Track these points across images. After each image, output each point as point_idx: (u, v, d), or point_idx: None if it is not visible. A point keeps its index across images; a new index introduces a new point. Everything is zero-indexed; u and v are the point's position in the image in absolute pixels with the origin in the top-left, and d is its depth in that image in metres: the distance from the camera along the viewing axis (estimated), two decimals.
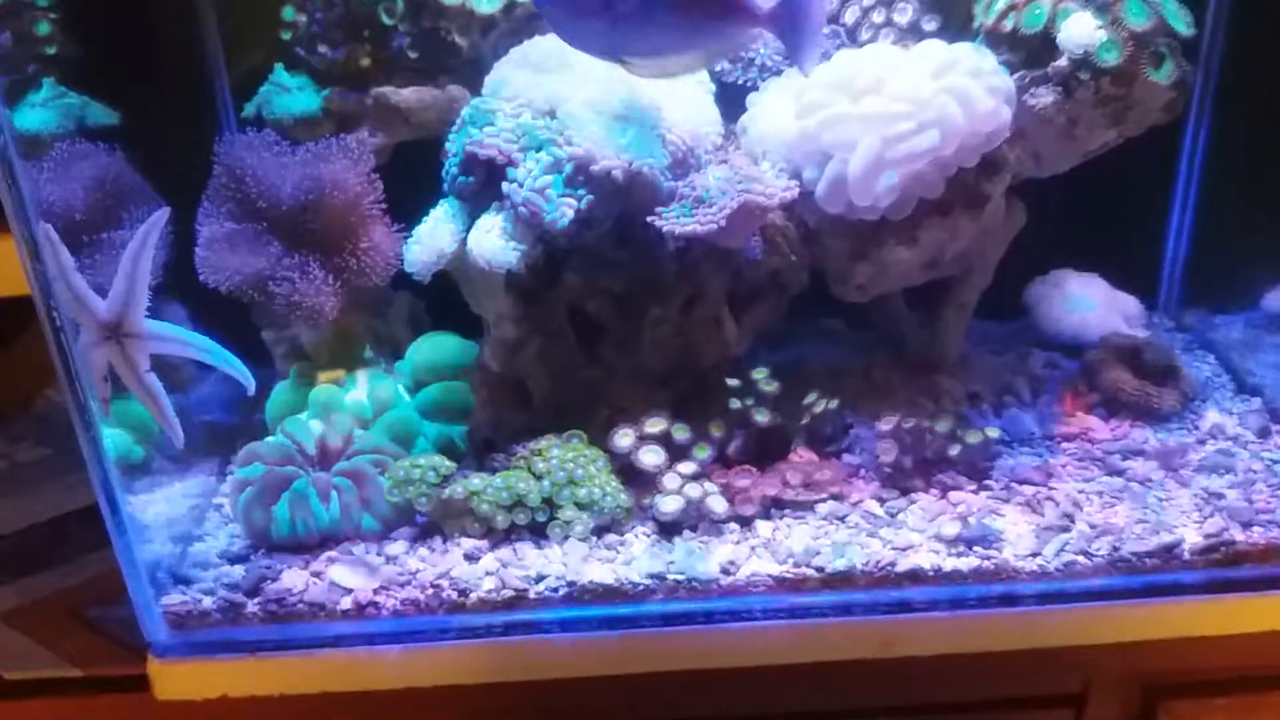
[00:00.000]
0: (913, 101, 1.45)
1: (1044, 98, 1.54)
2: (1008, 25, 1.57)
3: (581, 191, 1.43)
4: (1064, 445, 1.70)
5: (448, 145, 1.50)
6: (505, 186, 1.45)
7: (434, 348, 1.67)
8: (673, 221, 1.45)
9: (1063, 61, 1.53)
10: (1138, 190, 1.97)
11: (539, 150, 1.45)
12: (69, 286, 1.25)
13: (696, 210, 1.45)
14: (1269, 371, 1.83)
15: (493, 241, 1.45)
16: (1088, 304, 1.89)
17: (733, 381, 1.61)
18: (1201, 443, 1.69)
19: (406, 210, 1.60)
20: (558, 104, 1.47)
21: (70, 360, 1.27)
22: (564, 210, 1.42)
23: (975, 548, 1.49)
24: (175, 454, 1.64)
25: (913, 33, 1.68)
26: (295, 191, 1.55)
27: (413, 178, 1.62)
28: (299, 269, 1.56)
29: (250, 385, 1.41)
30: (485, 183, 1.48)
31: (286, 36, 1.61)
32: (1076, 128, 1.58)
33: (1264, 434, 1.70)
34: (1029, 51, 1.56)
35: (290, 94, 1.59)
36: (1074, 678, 1.55)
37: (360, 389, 1.64)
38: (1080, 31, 1.49)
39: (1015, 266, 1.91)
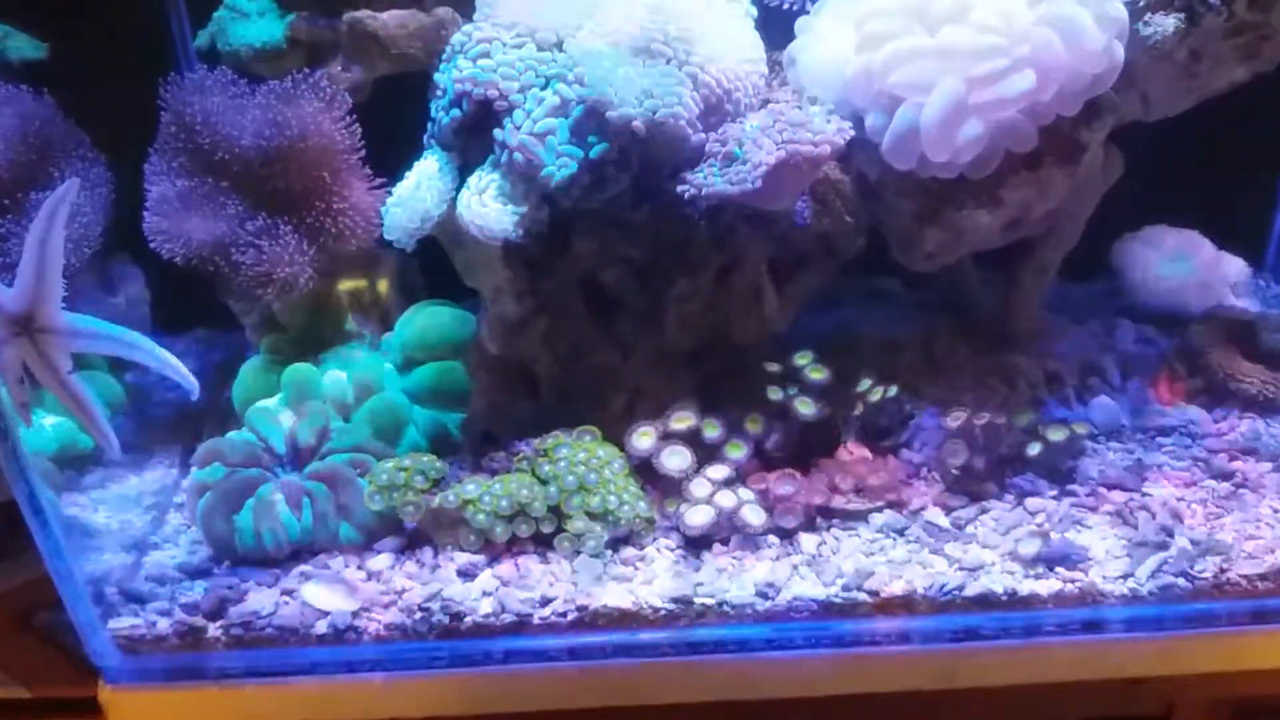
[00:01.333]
0: (1005, 34, 1.17)
1: (1163, 26, 1.26)
2: None
3: (592, 139, 1.17)
4: (1160, 440, 1.46)
5: (436, 80, 1.25)
6: (498, 133, 1.20)
7: (427, 321, 1.44)
8: (698, 183, 1.19)
9: None
10: (1244, 130, 1.68)
11: (544, 88, 1.19)
12: None
13: (727, 170, 1.19)
14: None
15: (487, 204, 1.21)
16: (1186, 267, 1.62)
17: (772, 366, 1.37)
18: None
19: (390, 160, 1.37)
20: (567, 34, 1.21)
21: None
22: (564, 163, 1.17)
23: (1058, 569, 1.27)
24: (131, 442, 1.44)
25: None
26: (257, 140, 1.31)
27: (397, 120, 1.37)
28: (266, 233, 1.32)
29: (194, 390, 1.19)
30: (478, 129, 1.23)
31: None
32: (1199, 64, 1.30)
33: None
34: None
35: (249, 20, 1.33)
36: (1156, 703, 1.35)
37: (340, 369, 1.41)
38: None
39: (1101, 219, 1.65)
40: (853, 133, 1.24)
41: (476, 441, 1.39)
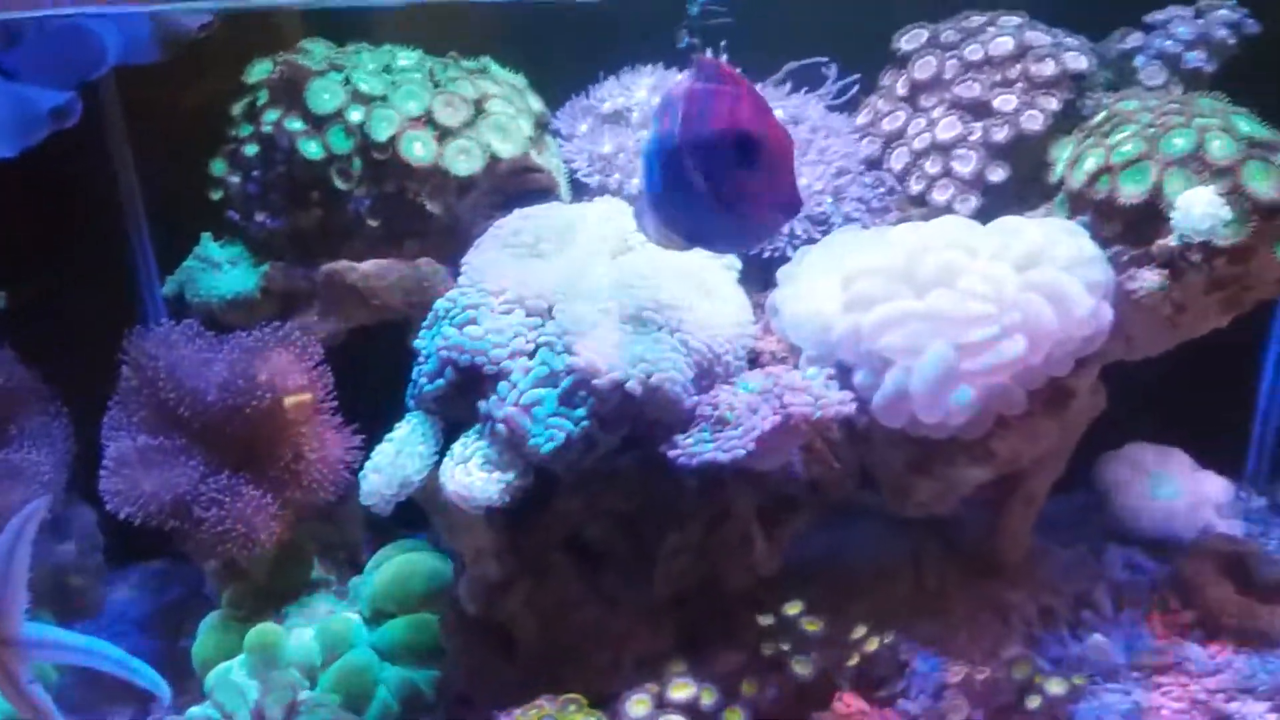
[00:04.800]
0: (995, 300, 1.16)
1: (1146, 282, 1.26)
2: (1100, 191, 1.29)
3: (580, 414, 1.13)
4: (1157, 680, 1.42)
5: (417, 345, 1.21)
6: (483, 405, 1.16)
7: (399, 572, 1.37)
8: (689, 450, 1.16)
9: (1170, 240, 1.25)
10: (1222, 347, 1.70)
11: (531, 357, 1.16)
12: None
13: (718, 434, 1.16)
14: None
15: (471, 473, 1.16)
16: (1172, 489, 1.61)
17: (765, 619, 1.32)
18: None
19: (364, 406, 1.31)
20: (556, 300, 1.18)
21: None
22: (553, 434, 1.13)
23: None
24: (81, 701, 1.34)
25: (975, 185, 1.41)
26: (223, 396, 1.25)
27: (373, 365, 1.32)
28: (229, 490, 1.26)
29: (165, 696, 1.11)
30: (462, 395, 1.18)
31: (216, 197, 1.31)
32: (1183, 314, 1.30)
33: None
34: (1126, 224, 1.28)
35: (220, 271, 1.29)
36: None
37: (307, 626, 1.33)
38: (1202, 207, 1.21)
39: (1084, 436, 1.64)
40: (855, 404, 1.22)
41: (452, 705, 1.32)
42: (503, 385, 1.15)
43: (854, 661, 1.37)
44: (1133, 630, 1.48)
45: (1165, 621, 1.50)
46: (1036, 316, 1.17)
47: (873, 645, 1.36)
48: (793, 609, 1.33)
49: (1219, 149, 1.25)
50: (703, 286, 1.21)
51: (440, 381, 1.16)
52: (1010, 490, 1.49)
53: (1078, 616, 1.50)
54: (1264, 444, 1.75)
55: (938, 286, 1.20)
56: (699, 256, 1.25)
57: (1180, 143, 1.26)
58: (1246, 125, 1.28)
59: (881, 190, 1.48)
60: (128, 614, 1.53)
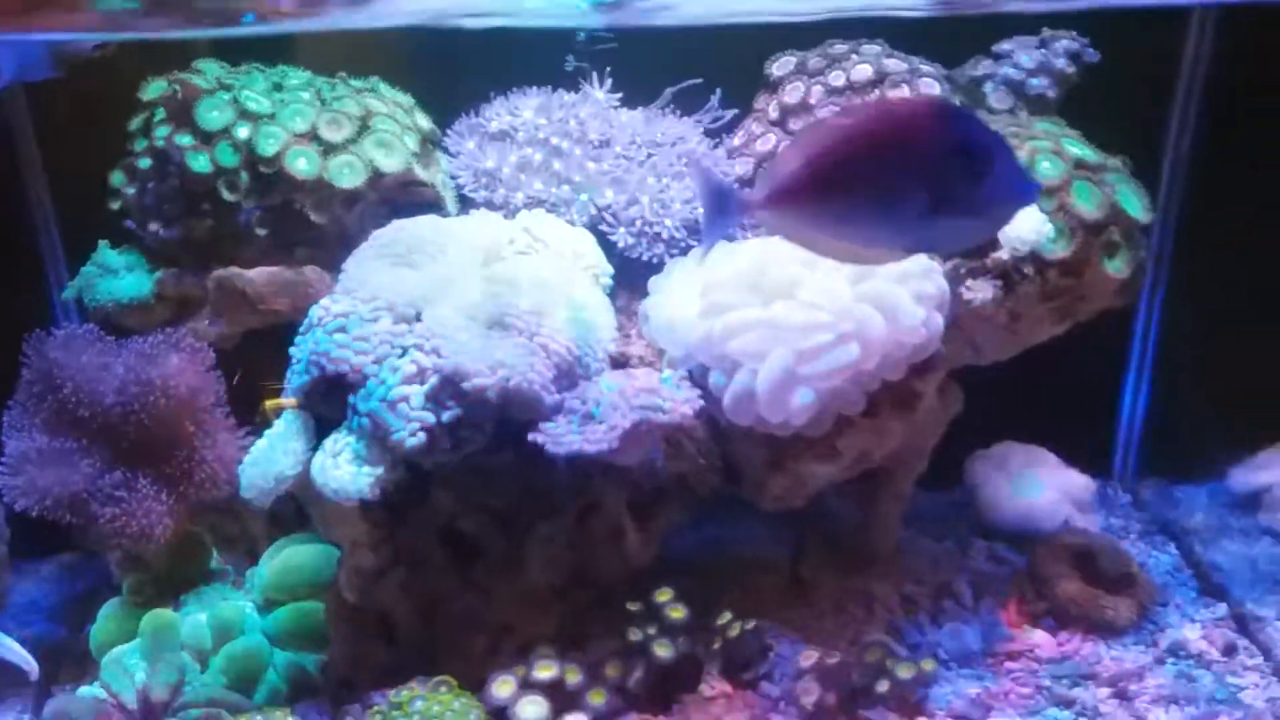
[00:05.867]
0: (829, 310, 1.25)
1: (981, 293, 1.36)
2: None
3: (444, 412, 1.22)
4: (1008, 665, 1.51)
5: (291, 350, 1.29)
6: (352, 399, 1.24)
7: (286, 562, 1.45)
8: (555, 436, 1.24)
9: (1003, 254, 1.35)
10: (1090, 351, 1.80)
11: (401, 357, 1.24)
12: None
13: (584, 428, 1.25)
14: (1236, 566, 1.65)
15: (341, 467, 1.24)
16: (1035, 487, 1.71)
17: (633, 605, 1.40)
18: (1160, 662, 1.51)
19: (258, 407, 1.39)
20: (424, 306, 1.27)
21: None
22: (416, 429, 1.21)
23: None
24: None
25: None
26: (120, 397, 1.33)
27: (266, 368, 1.40)
28: (124, 485, 1.34)
29: (33, 672, 1.18)
30: (331, 396, 1.27)
31: (115, 207, 1.39)
32: (1019, 323, 1.40)
33: (1230, 651, 1.52)
34: None
35: (117, 276, 1.37)
36: None
37: (201, 613, 1.41)
38: (1028, 225, 1.31)
39: (956, 434, 1.74)
40: (701, 403, 1.31)
41: (336, 689, 1.40)
42: (371, 383, 1.23)
43: (718, 646, 1.46)
44: (989, 620, 1.58)
45: (1021, 611, 1.59)
46: (868, 324, 1.26)
47: (735, 631, 1.45)
48: (662, 596, 1.42)
49: (1048, 169, 1.35)
50: (565, 294, 1.30)
51: (307, 382, 1.24)
52: (878, 486, 1.59)
53: (940, 606, 1.60)
54: (1130, 443, 1.85)
55: (780, 297, 1.29)
56: (563, 265, 1.34)
57: None
58: (1076, 148, 1.38)
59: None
60: (38, 604, 1.60)
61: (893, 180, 1.07)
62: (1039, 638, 1.54)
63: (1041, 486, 1.70)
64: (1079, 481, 1.72)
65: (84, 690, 1.32)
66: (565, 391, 1.29)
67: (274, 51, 1.51)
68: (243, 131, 1.34)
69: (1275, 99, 1.62)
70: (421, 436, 1.21)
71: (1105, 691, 1.47)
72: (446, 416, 1.21)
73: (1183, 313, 1.77)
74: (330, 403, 1.27)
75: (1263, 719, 1.41)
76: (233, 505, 1.54)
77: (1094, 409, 1.86)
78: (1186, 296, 1.75)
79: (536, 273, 1.28)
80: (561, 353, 1.27)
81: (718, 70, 1.58)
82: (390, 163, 1.39)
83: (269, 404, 1.41)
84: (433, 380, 1.23)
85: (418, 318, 1.27)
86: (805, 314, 1.26)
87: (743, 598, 1.55)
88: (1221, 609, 1.59)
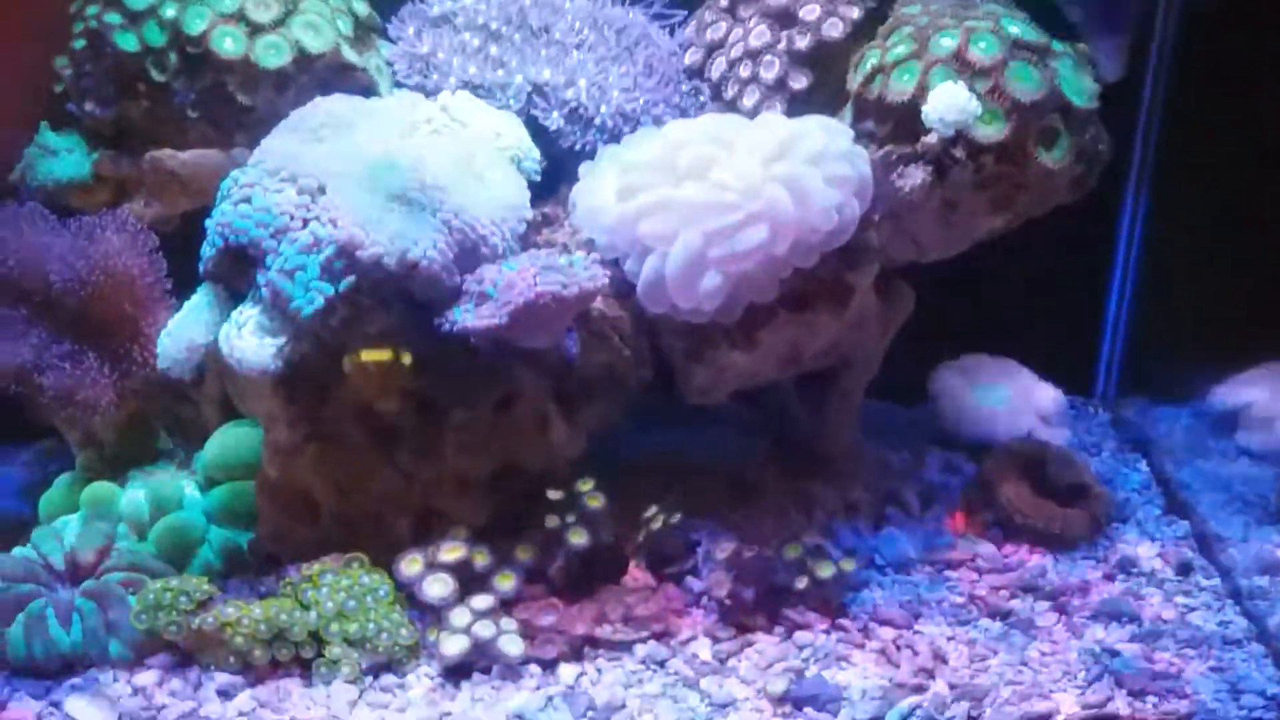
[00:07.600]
0: (738, 190, 1.22)
1: (912, 178, 1.30)
2: (874, 90, 1.33)
3: (341, 282, 1.22)
4: (946, 574, 1.47)
5: (206, 222, 1.31)
6: (258, 274, 1.26)
7: (225, 443, 1.48)
8: (451, 318, 1.25)
9: (932, 138, 1.29)
10: (1072, 263, 1.72)
11: (303, 228, 1.25)
12: None
13: (480, 307, 1.24)
14: (1205, 485, 1.57)
15: (244, 338, 1.26)
16: (997, 397, 1.65)
17: (554, 494, 1.40)
18: (1110, 578, 1.45)
19: None
20: (328, 180, 1.27)
21: None
22: (313, 297, 1.22)
23: (806, 708, 1.27)
24: None
25: (780, 90, 1.46)
26: (63, 271, 1.38)
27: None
28: (69, 357, 1.39)
29: None
30: (238, 267, 1.29)
31: (59, 90, 1.43)
32: (955, 212, 1.34)
33: (1185, 570, 1.45)
34: (896, 122, 1.32)
35: (57, 157, 1.41)
36: None
37: (143, 489, 1.46)
38: (948, 102, 1.24)
39: (927, 348, 1.69)
40: (606, 279, 1.29)
41: (262, 564, 1.43)
42: (270, 255, 1.24)
43: (642, 538, 1.45)
44: (933, 528, 1.53)
45: (966, 521, 1.54)
46: (777, 205, 1.22)
47: (659, 523, 1.44)
48: (584, 485, 1.42)
49: (982, 50, 1.28)
50: (474, 170, 1.29)
51: (214, 253, 1.27)
52: (825, 388, 1.55)
53: (884, 513, 1.56)
54: (1112, 362, 1.76)
55: (692, 178, 1.26)
56: (478, 146, 1.33)
57: (947, 43, 1.29)
58: (1016, 28, 1.30)
59: (703, 99, 1.53)
60: (9, 483, 1.67)
61: None
62: (983, 549, 1.50)
63: (1005, 396, 1.64)
64: (1048, 394, 1.66)
65: (17, 550, 1.38)
66: (468, 274, 1.28)
67: None
68: (169, 11, 1.36)
69: (1259, 12, 1.52)
70: (319, 302, 1.22)
71: (1045, 605, 1.42)
72: (343, 285, 1.21)
73: (1167, 231, 1.68)
74: (242, 275, 1.29)
75: (1210, 642, 1.34)
76: (186, 389, 1.59)
77: (1077, 328, 1.78)
78: (1170, 215, 1.66)
79: (446, 150, 1.27)
80: (465, 230, 1.26)
81: None
82: (316, 44, 1.39)
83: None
84: (328, 250, 1.24)
85: (322, 190, 1.27)
86: (713, 193, 1.22)
87: (685, 499, 1.53)
88: (1184, 527, 1.52)
